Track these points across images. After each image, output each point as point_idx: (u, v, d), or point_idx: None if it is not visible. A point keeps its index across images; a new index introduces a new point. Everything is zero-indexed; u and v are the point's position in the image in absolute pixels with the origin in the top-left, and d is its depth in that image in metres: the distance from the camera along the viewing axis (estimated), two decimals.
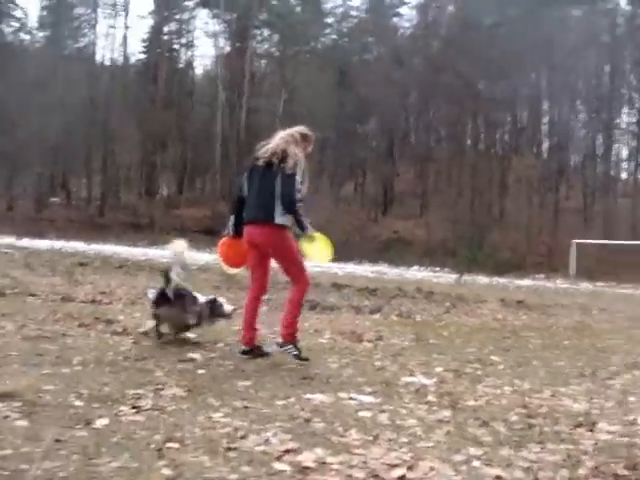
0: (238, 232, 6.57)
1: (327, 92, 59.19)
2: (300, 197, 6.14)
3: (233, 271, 7.23)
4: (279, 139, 6.33)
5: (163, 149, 63.35)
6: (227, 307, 7.37)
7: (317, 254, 6.57)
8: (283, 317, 6.40)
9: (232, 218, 6.67)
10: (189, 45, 72.78)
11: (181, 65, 73.48)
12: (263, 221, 6.23)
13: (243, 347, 6.42)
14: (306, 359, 6.24)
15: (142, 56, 72.63)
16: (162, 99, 63.09)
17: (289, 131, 6.45)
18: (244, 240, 6.47)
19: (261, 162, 6.29)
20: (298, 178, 6.10)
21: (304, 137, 6.48)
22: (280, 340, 6.35)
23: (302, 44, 65.37)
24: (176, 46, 72.86)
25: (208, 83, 70.96)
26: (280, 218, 6.18)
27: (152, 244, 43.17)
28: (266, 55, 71.44)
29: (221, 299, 7.44)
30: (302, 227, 6.32)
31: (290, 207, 6.13)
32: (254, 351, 6.38)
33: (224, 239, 6.86)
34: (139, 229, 51.62)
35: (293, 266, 6.42)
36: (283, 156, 6.16)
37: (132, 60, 72.17)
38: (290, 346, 6.25)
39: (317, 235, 6.50)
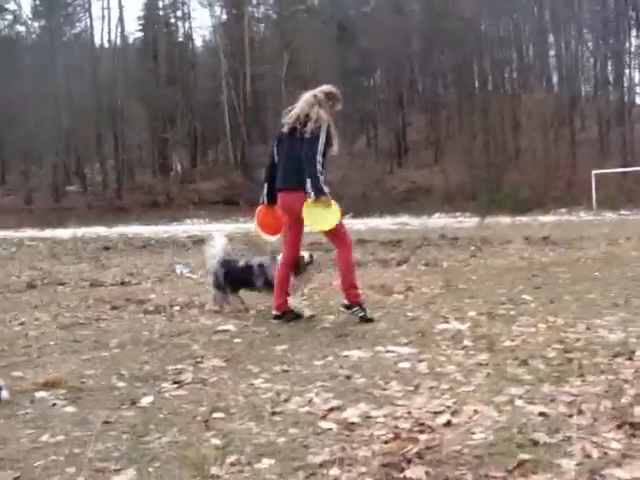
0: (272, 199, 6.58)
1: (329, 49, 58.68)
2: (321, 160, 6.02)
3: (271, 238, 7.28)
4: (302, 102, 6.23)
5: (172, 125, 63.32)
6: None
7: (319, 219, 6.22)
8: (340, 282, 6.42)
9: (265, 186, 6.66)
10: (186, 17, 72.38)
11: (180, 39, 73.08)
12: (295, 188, 6.16)
13: (274, 312, 6.45)
14: (371, 319, 6.21)
15: (140, 34, 72.36)
16: (165, 75, 62.95)
17: (312, 92, 6.33)
18: (278, 207, 6.49)
19: (286, 128, 6.25)
20: (321, 140, 6.02)
21: (328, 96, 6.37)
22: (346, 302, 6.35)
23: (298, 3, 64.78)
24: (173, 20, 72.47)
25: (209, 54, 70.59)
26: (325, 186, 6.12)
27: (172, 220, 43.40)
28: (264, 19, 70.95)
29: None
30: (317, 190, 6.04)
31: (310, 170, 6.01)
32: (287, 315, 6.40)
33: (260, 207, 6.85)
34: (157, 207, 51.92)
35: (340, 231, 6.37)
36: (305, 120, 6.08)
37: (130, 40, 72.00)
38: (356, 308, 6.25)
39: (332, 203, 6.26)
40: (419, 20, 62.33)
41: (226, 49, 61.85)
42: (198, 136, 65.23)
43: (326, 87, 6.51)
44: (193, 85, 65.14)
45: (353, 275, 6.41)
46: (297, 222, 6.33)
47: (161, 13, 70.66)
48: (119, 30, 67.29)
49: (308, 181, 6.00)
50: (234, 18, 64.92)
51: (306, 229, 6.44)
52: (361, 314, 6.22)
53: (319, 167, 6.01)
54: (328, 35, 59.38)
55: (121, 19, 66.82)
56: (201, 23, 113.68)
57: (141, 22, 71.09)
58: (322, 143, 6.02)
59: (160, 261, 13.39)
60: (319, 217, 6.14)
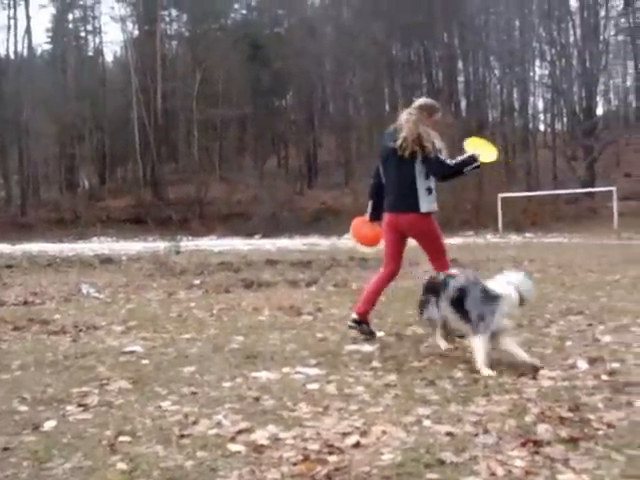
0: (375, 216, 6.70)
1: (242, 69, 58.77)
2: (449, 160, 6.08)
3: (365, 249, 7.24)
4: (410, 123, 6.14)
5: (80, 141, 62.01)
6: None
7: (484, 153, 6.44)
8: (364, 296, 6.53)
9: (370, 203, 6.75)
10: (96, 32, 71.41)
11: (90, 53, 72.03)
12: (407, 211, 6.21)
13: (354, 316, 6.38)
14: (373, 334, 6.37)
15: (48, 47, 70.93)
16: (74, 89, 61.67)
17: (413, 111, 6.27)
18: (384, 224, 6.51)
19: (400, 152, 6.14)
20: (441, 156, 6.05)
21: (428, 110, 6.37)
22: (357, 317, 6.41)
23: (211, 22, 64.69)
24: (83, 34, 71.37)
25: (120, 70, 69.76)
26: (425, 206, 6.16)
27: (79, 238, 42.49)
28: (176, 36, 70.58)
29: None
30: (470, 162, 6.15)
31: (449, 174, 6.17)
32: (362, 325, 6.33)
33: (359, 218, 6.94)
34: (64, 224, 50.71)
35: (435, 251, 6.39)
36: (419, 142, 6.04)
37: (38, 51, 70.45)
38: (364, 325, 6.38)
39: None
40: (331, 42, 63.04)
41: (137, 65, 61.18)
42: (107, 153, 64.19)
43: (422, 101, 6.53)
44: (103, 101, 64.03)
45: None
46: (403, 240, 6.44)
47: (71, 26, 69.48)
48: (26, 41, 65.80)
49: (428, 194, 6.18)
50: (146, 34, 64.33)
51: None
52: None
53: (449, 161, 6.07)
54: (241, 54, 59.42)
55: (28, 30, 65.31)
56: (112, 38, 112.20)
57: (50, 34, 69.87)
58: (440, 151, 6.07)
59: (66, 280, 13.06)
60: (482, 149, 6.40)
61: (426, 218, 6.22)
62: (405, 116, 6.25)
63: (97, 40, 72.65)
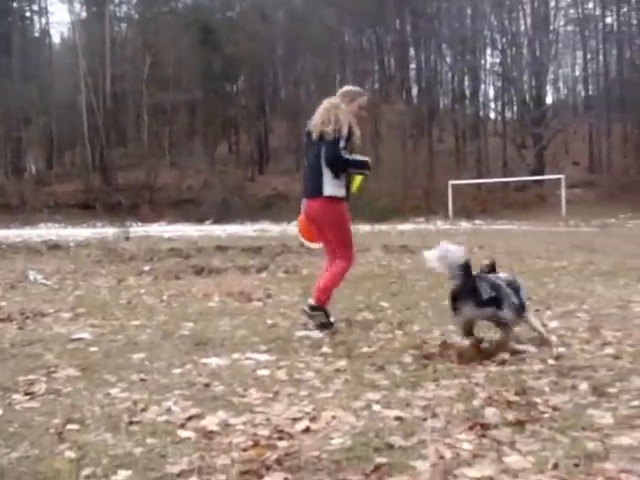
0: None
1: (192, 53, 58.14)
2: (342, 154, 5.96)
3: (314, 245, 6.97)
4: (323, 110, 6.11)
5: (27, 124, 60.77)
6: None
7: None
8: (320, 282, 6.25)
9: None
10: (43, 12, 70.01)
11: (36, 34, 70.58)
12: (314, 195, 6.14)
13: (311, 301, 6.13)
14: (330, 325, 6.08)
15: None
16: (19, 72, 60.22)
17: (332, 99, 6.23)
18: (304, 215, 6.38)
19: (313, 136, 6.10)
20: (342, 142, 5.95)
21: (349, 96, 6.30)
22: (311, 301, 6.14)
23: (162, 4, 63.93)
24: (28, 14, 69.92)
25: (67, 52, 68.35)
26: (329, 189, 6.08)
27: (25, 224, 41.80)
28: (126, 18, 69.58)
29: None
30: (366, 166, 6.20)
31: (336, 167, 6.02)
32: (321, 310, 6.10)
33: (301, 215, 6.60)
34: (9, 210, 49.66)
35: (340, 241, 6.29)
36: (325, 126, 6.00)
37: None
38: (320, 312, 6.08)
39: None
40: (283, 27, 62.80)
41: (85, 48, 60.08)
42: (54, 137, 62.96)
43: (345, 89, 6.47)
44: (50, 83, 62.75)
45: (337, 284, 6.35)
46: (327, 227, 6.27)
47: (15, 5, 67.93)
48: None
49: (333, 178, 6.07)
50: (94, 16, 63.33)
51: None
52: (323, 320, 6.07)
53: (341, 154, 5.95)
54: (191, 38, 58.79)
55: None
56: (59, 19, 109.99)
57: None
58: (344, 138, 5.95)
59: (12, 267, 12.84)
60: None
61: (330, 202, 6.13)
62: (324, 103, 6.24)
63: (43, 21, 71.39)
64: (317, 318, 6.07)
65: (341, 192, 6.14)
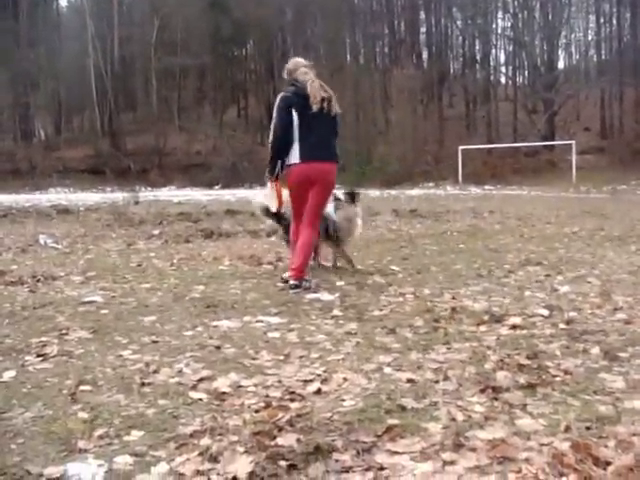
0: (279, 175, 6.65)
1: (201, 17, 57.61)
2: None
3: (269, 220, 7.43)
4: (319, 85, 6.41)
5: (35, 89, 60.56)
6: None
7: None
8: (294, 260, 6.39)
9: (279, 163, 6.48)
10: None
11: None
12: (330, 160, 6.43)
13: (292, 281, 6.28)
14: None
15: None
16: (26, 36, 59.86)
17: (310, 72, 6.57)
18: (296, 179, 6.44)
19: (315, 108, 6.26)
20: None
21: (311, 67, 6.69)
22: (292, 281, 6.26)
23: None
24: None
25: (75, 15, 67.86)
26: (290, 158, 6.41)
27: (35, 189, 41.87)
28: None
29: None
30: (275, 165, 6.46)
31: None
32: (303, 281, 6.31)
33: (276, 183, 6.74)
34: (19, 175, 49.72)
35: (322, 206, 6.63)
36: (330, 99, 6.39)
37: None
38: (303, 284, 6.25)
39: None
40: None
41: (92, 11, 59.65)
42: (63, 101, 62.79)
43: (303, 62, 6.79)
44: (57, 47, 62.41)
45: (310, 253, 6.59)
46: (326, 189, 6.53)
47: None
48: None
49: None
50: None
51: None
52: (308, 285, 6.28)
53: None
54: (200, 2, 58.25)
55: None
56: None
57: None
58: None
59: (22, 231, 12.88)
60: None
61: (336, 169, 6.52)
62: (313, 74, 6.59)
63: None
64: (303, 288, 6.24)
65: (291, 160, 6.41)
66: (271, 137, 6.39)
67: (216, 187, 42.92)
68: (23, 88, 59.90)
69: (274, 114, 6.43)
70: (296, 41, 65.39)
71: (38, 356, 4.12)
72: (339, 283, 6.50)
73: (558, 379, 3.47)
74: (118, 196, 26.45)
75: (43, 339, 4.53)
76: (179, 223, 14.12)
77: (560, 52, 60.07)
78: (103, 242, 10.87)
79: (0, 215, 17.42)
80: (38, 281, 6.97)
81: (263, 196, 6.84)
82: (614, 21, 58.66)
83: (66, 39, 65.74)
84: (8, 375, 3.76)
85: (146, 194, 29.09)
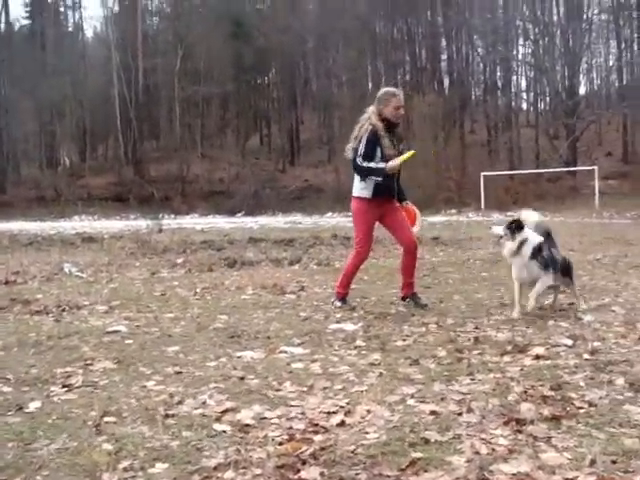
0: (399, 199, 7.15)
1: (224, 45, 58.05)
2: (362, 161, 6.64)
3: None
4: (357, 125, 6.94)
5: (60, 117, 61.28)
6: None
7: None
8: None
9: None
10: (76, 7, 70.51)
11: (70, 28, 71.07)
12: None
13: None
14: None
15: (27, 22, 69.82)
16: (53, 65, 60.66)
17: (369, 107, 6.94)
18: None
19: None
20: (361, 148, 6.65)
21: (381, 102, 6.86)
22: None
23: None
24: (62, 8, 70.42)
25: (100, 45, 68.73)
26: (356, 190, 6.90)
27: (60, 217, 42.21)
28: (157, 12, 69.81)
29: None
30: (381, 173, 6.63)
31: (358, 173, 6.78)
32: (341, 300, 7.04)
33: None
34: (44, 202, 50.20)
35: (354, 234, 7.15)
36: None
37: (16, 26, 69.37)
38: (337, 301, 7.03)
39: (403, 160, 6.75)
40: (314, 18, 62.65)
41: (118, 41, 60.43)
42: (88, 130, 63.43)
43: (378, 93, 7.09)
44: (83, 77, 63.13)
45: (350, 273, 7.09)
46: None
47: (50, 0, 68.45)
48: (3, 16, 64.80)
49: (360, 180, 6.84)
50: (126, 10, 63.61)
51: None
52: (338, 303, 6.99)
53: (358, 160, 6.66)
54: (223, 31, 58.76)
55: (6, 4, 64.30)
56: (92, 13, 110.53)
57: (28, 9, 68.72)
58: (363, 145, 6.65)
59: (47, 259, 12.98)
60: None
61: (355, 201, 6.95)
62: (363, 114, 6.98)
63: (77, 15, 71.99)
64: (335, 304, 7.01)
65: (364, 193, 6.83)
66: None
67: (239, 214, 43.05)
68: (49, 117, 60.70)
69: None
70: (318, 68, 65.78)
71: (63, 387, 4.16)
72: (362, 313, 6.51)
73: (582, 411, 3.45)
74: (141, 224, 26.62)
75: (68, 369, 4.57)
76: (202, 251, 14.17)
77: (581, 78, 59.93)
78: (127, 271, 10.93)
79: (26, 243, 17.57)
80: (63, 310, 7.03)
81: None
82: (635, 46, 58.49)
83: (91, 69, 66.54)
84: (34, 406, 3.79)
85: (169, 222, 29.25)
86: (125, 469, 2.86)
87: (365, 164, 6.60)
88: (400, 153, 6.76)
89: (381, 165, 6.59)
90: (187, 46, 57.08)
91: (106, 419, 3.51)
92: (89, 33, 76.98)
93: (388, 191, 6.85)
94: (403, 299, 7.07)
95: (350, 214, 7.13)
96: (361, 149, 6.61)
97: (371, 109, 6.82)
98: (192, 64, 58.40)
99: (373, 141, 6.63)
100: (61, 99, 58.43)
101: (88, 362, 4.75)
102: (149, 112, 63.98)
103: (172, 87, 57.13)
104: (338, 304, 6.95)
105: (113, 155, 63.75)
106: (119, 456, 2.99)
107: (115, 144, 62.47)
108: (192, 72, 58.31)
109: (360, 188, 6.81)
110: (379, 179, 6.65)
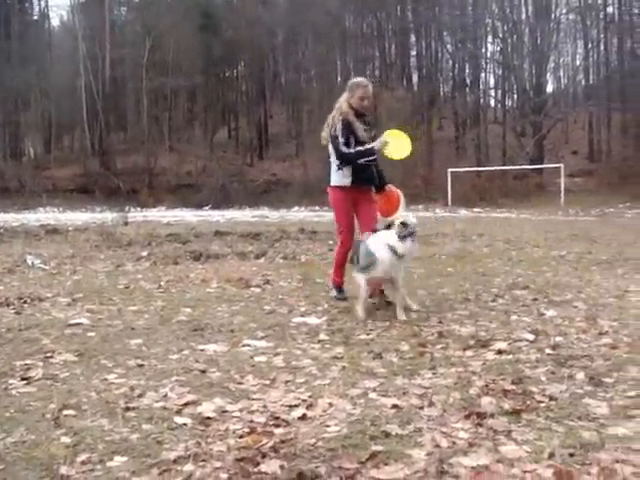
0: (377, 189, 7.14)
1: (193, 37, 57.71)
2: (345, 149, 6.64)
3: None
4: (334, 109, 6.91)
5: (25, 107, 60.51)
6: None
7: (397, 149, 6.79)
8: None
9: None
10: None
11: (35, 17, 70.17)
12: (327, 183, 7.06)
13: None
14: (344, 299, 6.92)
15: None
16: (18, 55, 59.80)
17: (342, 95, 6.98)
18: None
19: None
20: (339, 137, 6.63)
21: (350, 90, 6.87)
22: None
23: None
24: None
25: (67, 35, 67.93)
26: (334, 180, 6.90)
27: (24, 208, 41.72)
28: (126, 2, 69.19)
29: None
30: (372, 153, 6.70)
31: (343, 161, 6.73)
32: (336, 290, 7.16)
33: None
34: (8, 194, 49.49)
35: (336, 224, 7.12)
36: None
37: None
38: (334, 290, 7.16)
39: (389, 136, 6.74)
40: (284, 12, 62.52)
41: (85, 31, 59.75)
42: (53, 120, 62.70)
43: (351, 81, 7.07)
44: (49, 67, 62.27)
45: (337, 263, 7.15)
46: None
47: None
48: None
49: (345, 168, 6.80)
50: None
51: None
52: (333, 294, 7.10)
53: (343, 149, 6.64)
54: (192, 23, 58.39)
55: None
56: (58, 2, 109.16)
57: None
58: (339, 134, 6.64)
59: (10, 251, 12.82)
60: (398, 143, 6.78)
61: (331, 191, 6.97)
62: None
63: (42, 3, 70.97)
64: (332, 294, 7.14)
65: (344, 182, 6.84)
66: None
67: (206, 208, 42.89)
68: (13, 107, 59.86)
69: None
70: (287, 62, 65.72)
71: (22, 379, 4.11)
72: (326, 307, 6.50)
73: (543, 405, 3.47)
74: (107, 216, 26.42)
75: (28, 362, 4.51)
76: (168, 244, 14.08)
77: (549, 76, 60.38)
78: (91, 263, 10.83)
79: None
80: (24, 302, 6.94)
81: None
82: (601, 47, 59.13)
83: (57, 59, 65.70)
84: None
85: (135, 214, 29.05)
86: (83, 462, 2.82)
87: (353, 150, 6.62)
88: (373, 138, 6.78)
89: (368, 145, 6.64)
90: (155, 37, 56.65)
91: (65, 412, 3.47)
92: (55, 22, 76.19)
93: (367, 178, 6.88)
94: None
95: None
96: (340, 139, 6.63)
97: (343, 97, 6.86)
98: (160, 55, 57.98)
99: (347, 127, 6.65)
100: (26, 89, 57.71)
101: (48, 355, 4.69)
102: (116, 103, 63.44)
103: (140, 78, 56.67)
104: (335, 294, 7.06)
105: (79, 146, 63.13)
106: (77, 449, 2.96)
107: (81, 135, 61.85)
108: (160, 64, 57.88)
109: (339, 177, 6.83)
110: (371, 158, 6.73)
